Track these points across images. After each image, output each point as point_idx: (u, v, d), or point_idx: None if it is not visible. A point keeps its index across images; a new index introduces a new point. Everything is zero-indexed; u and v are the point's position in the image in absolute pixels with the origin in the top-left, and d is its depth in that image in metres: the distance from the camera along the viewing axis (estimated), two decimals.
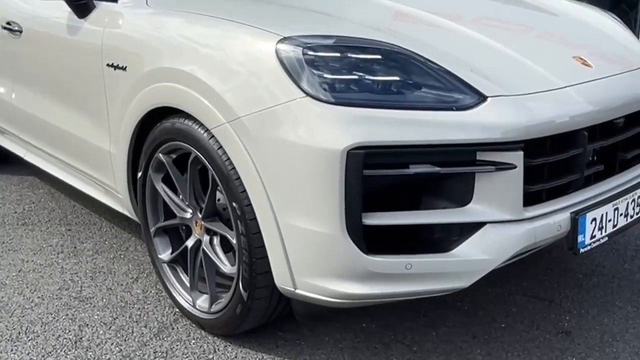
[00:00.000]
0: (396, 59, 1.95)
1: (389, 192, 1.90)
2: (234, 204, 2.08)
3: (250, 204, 2.03)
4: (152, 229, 2.55)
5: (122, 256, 3.04)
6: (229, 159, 2.06)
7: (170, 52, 2.25)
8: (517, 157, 1.88)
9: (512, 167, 1.88)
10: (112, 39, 2.53)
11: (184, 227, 2.49)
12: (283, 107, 1.90)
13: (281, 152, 1.90)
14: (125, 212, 2.79)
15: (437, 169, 1.85)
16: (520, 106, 1.92)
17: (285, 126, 1.89)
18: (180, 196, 2.40)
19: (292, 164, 1.89)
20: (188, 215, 2.40)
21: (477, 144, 1.85)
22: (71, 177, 3.15)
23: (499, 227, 1.92)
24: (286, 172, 1.91)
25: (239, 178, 2.04)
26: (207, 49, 2.14)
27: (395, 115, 1.84)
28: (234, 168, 2.05)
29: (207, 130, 2.11)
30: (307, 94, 1.87)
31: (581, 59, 2.25)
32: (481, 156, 1.87)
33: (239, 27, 2.10)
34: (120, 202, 2.77)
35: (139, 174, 2.51)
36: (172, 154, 2.37)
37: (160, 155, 2.38)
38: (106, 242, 3.19)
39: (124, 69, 2.46)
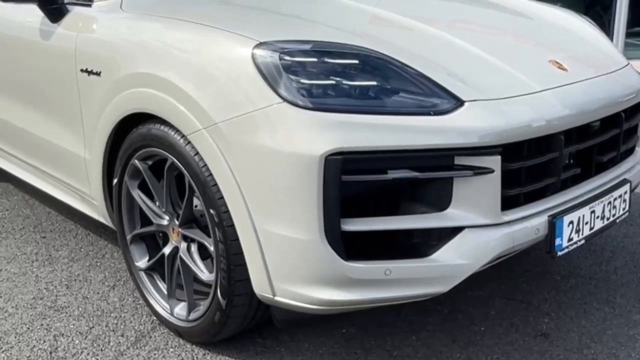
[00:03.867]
0: (373, 64, 1.95)
1: (367, 197, 1.89)
2: (211, 211, 2.06)
3: (227, 211, 2.01)
4: (129, 236, 2.51)
5: (98, 264, 2.99)
6: (205, 165, 2.03)
7: (145, 57, 2.22)
8: (494, 162, 1.88)
9: (489, 171, 1.88)
10: (86, 43, 2.50)
11: (160, 234, 2.46)
12: (260, 113, 1.88)
13: (259, 158, 1.89)
14: (101, 220, 2.75)
15: (415, 174, 1.84)
16: (497, 110, 1.92)
17: (262, 132, 1.88)
18: (157, 203, 2.37)
19: (269, 170, 1.87)
20: (165, 222, 2.37)
21: (455, 149, 1.85)
22: (46, 184, 3.10)
23: (477, 232, 1.92)
24: (264, 179, 1.89)
25: (216, 185, 2.02)
26: (183, 54, 2.11)
27: (373, 120, 1.83)
28: (211, 174, 2.02)
29: (183, 136, 2.09)
30: (285, 100, 1.86)
31: (557, 62, 2.27)
32: (459, 161, 1.87)
33: (215, 31, 2.08)
34: (96, 209, 2.73)
35: (115, 181, 2.48)
36: (148, 160, 2.34)
37: (136, 161, 2.35)
38: (82, 250, 3.14)
39: (98, 74, 2.42)
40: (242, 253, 2.01)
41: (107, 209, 2.62)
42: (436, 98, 1.91)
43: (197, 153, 2.05)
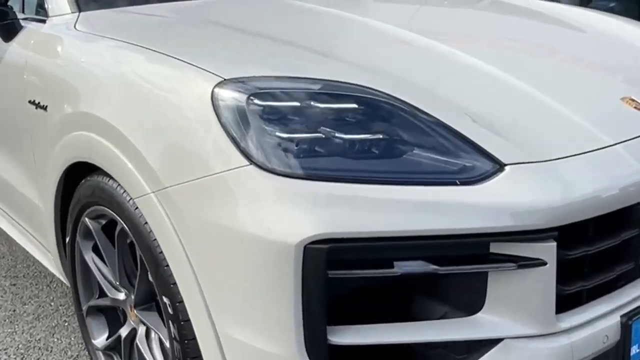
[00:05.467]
0: (379, 109, 1.41)
1: (365, 297, 1.37)
2: (164, 299, 1.56)
3: (183, 301, 1.50)
4: (84, 307, 2.03)
5: (66, 324, 2.53)
6: (156, 239, 1.54)
7: (88, 92, 1.73)
8: (547, 250, 1.33)
9: (540, 263, 1.33)
10: (34, 70, 2.02)
11: (120, 309, 1.98)
12: (219, 178, 1.37)
13: (217, 240, 1.38)
14: (59, 276, 2.28)
15: (433, 267, 1.31)
16: (553, 177, 1.36)
17: (221, 204, 1.36)
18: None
19: (230, 257, 1.36)
20: (122, 297, 1.88)
21: (491, 234, 1.31)
22: (7, 223, 2.65)
23: (521, 344, 1.37)
24: (224, 268, 1.38)
25: (168, 265, 1.52)
26: (132, 92, 1.61)
27: (374, 192, 1.29)
28: (162, 252, 1.53)
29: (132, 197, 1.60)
30: (252, 161, 1.34)
31: (632, 100, 1.68)
32: (497, 249, 1.32)
33: (172, 62, 1.57)
34: (52, 262, 2.26)
35: (67, 238, 2.01)
36: (100, 219, 1.85)
37: (87, 219, 1.87)
38: (52, 303, 2.68)
39: (44, 108, 1.95)
40: (201, 357, 1.51)
41: (63, 267, 2.16)
42: (465, 159, 1.36)
43: (147, 222, 1.56)
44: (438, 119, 1.40)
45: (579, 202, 1.36)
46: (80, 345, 2.38)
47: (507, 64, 1.73)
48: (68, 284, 2.20)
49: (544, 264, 1.33)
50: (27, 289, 2.80)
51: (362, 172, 1.34)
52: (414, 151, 1.37)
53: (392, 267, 1.30)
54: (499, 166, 1.35)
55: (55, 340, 2.43)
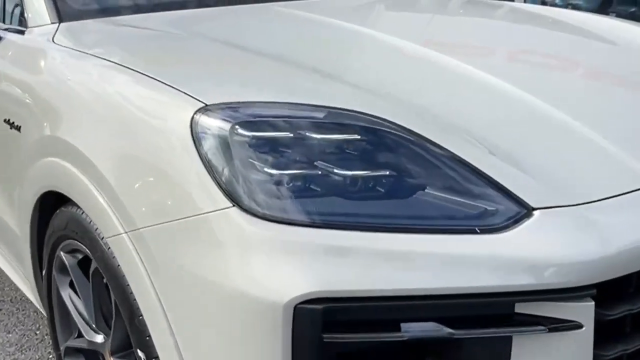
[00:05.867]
0: (385, 141, 1.21)
1: None
2: (139, 352, 1.37)
3: (158, 357, 1.31)
4: (62, 347, 1.85)
5: (50, 356, 2.35)
6: (130, 285, 1.35)
7: (61, 115, 1.55)
8: (584, 311, 1.12)
9: (575, 326, 1.12)
10: (9, 86, 1.85)
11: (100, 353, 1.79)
12: (198, 221, 1.17)
13: (194, 292, 1.18)
14: (38, 307, 2.10)
15: (448, 331, 1.11)
16: (590, 224, 1.15)
17: (200, 252, 1.17)
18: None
19: (209, 313, 1.16)
20: (99, 340, 1.69)
21: (516, 293, 1.10)
22: None
23: None
24: (202, 325, 1.18)
25: (143, 316, 1.33)
26: (107, 117, 1.42)
27: (378, 243, 1.09)
28: (137, 300, 1.34)
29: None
30: (235, 202, 1.14)
31: None
32: (523, 309, 1.12)
33: (152, 84, 1.37)
34: (30, 291, 2.08)
35: (44, 271, 1.82)
36: (76, 253, 1.67)
37: (62, 253, 1.69)
38: (37, 332, 2.50)
39: (18, 129, 1.77)
40: None
41: (41, 299, 1.97)
42: (486, 201, 1.15)
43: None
44: (453, 153, 1.19)
45: (622, 254, 1.14)
46: None
47: (532, 83, 1.52)
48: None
49: (580, 326, 1.12)
50: (13, 315, 2.63)
51: (364, 216, 1.13)
52: (426, 191, 1.17)
53: (399, 329, 1.10)
54: (526, 210, 1.14)
55: None
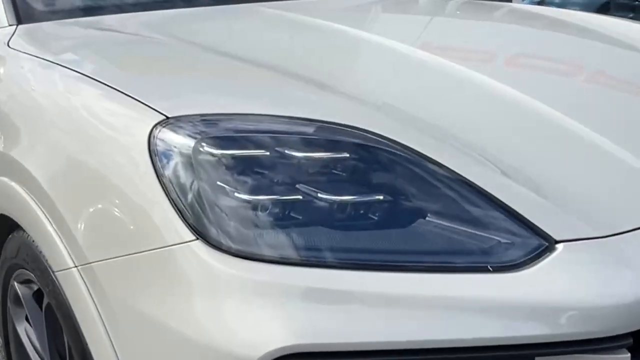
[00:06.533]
0: (378, 159, 1.03)
1: None
2: None
3: None
4: None
5: None
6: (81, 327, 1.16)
7: (9, 128, 1.36)
8: None
9: None
10: None
11: None
12: (155, 256, 0.98)
13: (151, 340, 0.99)
14: None
15: None
16: (623, 260, 0.96)
17: (157, 292, 0.98)
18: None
19: None
20: None
21: (537, 345, 0.92)
22: None
23: None
24: None
25: None
26: (60, 132, 1.23)
27: (371, 284, 0.90)
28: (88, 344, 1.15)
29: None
30: (201, 235, 0.95)
31: None
32: None
33: (115, 97, 1.18)
34: None
35: None
36: (30, 284, 1.48)
37: (16, 284, 1.49)
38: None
39: None
40: None
41: None
42: (499, 232, 0.96)
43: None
44: (460, 175, 1.01)
45: None
46: None
47: (549, 93, 1.33)
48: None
49: None
50: None
51: (354, 252, 0.95)
52: (427, 219, 0.98)
53: None
54: (548, 244, 0.95)
55: None
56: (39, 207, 1.21)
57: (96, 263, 1.07)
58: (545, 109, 1.22)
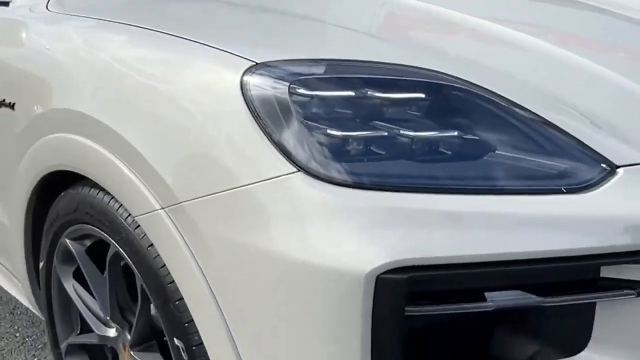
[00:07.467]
0: (452, 98, 1.13)
1: (447, 340, 1.08)
2: (175, 341, 1.24)
3: (201, 343, 1.19)
4: (63, 345, 1.69)
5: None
6: (165, 265, 1.22)
7: (73, 85, 1.40)
8: None
9: None
10: None
11: (109, 346, 1.64)
12: (255, 190, 1.06)
13: (251, 268, 1.07)
14: (31, 308, 1.93)
15: (534, 299, 1.03)
16: None
17: (258, 223, 1.05)
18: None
19: (271, 291, 1.05)
20: (112, 334, 1.55)
21: (603, 255, 1.04)
22: None
23: None
24: (262, 305, 1.07)
25: (182, 299, 1.20)
26: (132, 83, 1.29)
27: (462, 205, 1.01)
28: (174, 282, 1.21)
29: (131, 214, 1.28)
30: (299, 167, 1.04)
31: None
32: (610, 272, 1.05)
33: (183, 45, 1.25)
34: (21, 292, 1.91)
35: (41, 264, 1.66)
36: (85, 239, 1.52)
37: (67, 240, 1.53)
38: (17, 334, 2.32)
39: (11, 106, 1.60)
40: None
41: (35, 297, 1.81)
42: (565, 160, 1.08)
43: (152, 244, 1.24)
44: (526, 108, 1.12)
45: None
46: None
47: (605, 59, 1.44)
48: (42, 317, 1.86)
49: None
50: None
51: (438, 179, 1.05)
52: (502, 152, 1.09)
53: (483, 299, 1.02)
54: (611, 168, 1.08)
55: None
56: (114, 155, 1.26)
57: (187, 202, 1.13)
58: (597, 68, 1.32)
